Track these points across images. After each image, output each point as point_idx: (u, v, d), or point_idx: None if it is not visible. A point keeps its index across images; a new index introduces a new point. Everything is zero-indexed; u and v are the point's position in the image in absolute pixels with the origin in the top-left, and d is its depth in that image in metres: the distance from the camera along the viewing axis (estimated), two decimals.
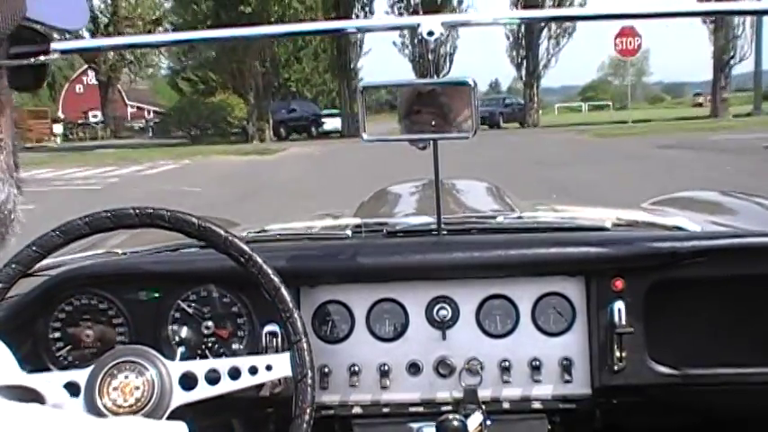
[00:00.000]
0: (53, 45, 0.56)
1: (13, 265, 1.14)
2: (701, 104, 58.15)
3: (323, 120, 36.84)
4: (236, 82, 31.72)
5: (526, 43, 36.27)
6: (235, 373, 1.14)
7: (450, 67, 36.42)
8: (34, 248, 1.14)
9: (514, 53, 36.67)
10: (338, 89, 34.74)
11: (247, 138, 30.98)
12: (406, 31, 18.95)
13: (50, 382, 0.51)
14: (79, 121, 43.42)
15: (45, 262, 1.21)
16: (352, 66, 36.02)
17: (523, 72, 36.32)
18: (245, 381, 1.13)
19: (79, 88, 51.67)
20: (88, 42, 1.32)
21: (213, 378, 1.14)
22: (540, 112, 35.48)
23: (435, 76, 1.26)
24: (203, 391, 1.12)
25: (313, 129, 36.09)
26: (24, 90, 0.55)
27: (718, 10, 1.36)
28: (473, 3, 36.72)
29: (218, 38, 1.47)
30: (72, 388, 1.09)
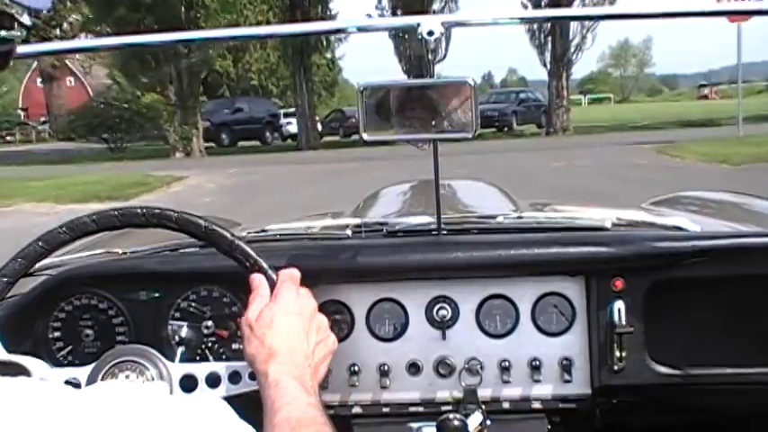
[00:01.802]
0: (49, 45, 0.55)
1: (19, 260, 1.14)
2: (706, 97, 57.15)
3: (285, 121, 30.06)
4: (148, 73, 23.30)
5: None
6: (235, 377, 1.14)
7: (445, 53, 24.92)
8: (40, 244, 1.14)
9: (535, 32, 26.08)
10: (294, 85, 26.29)
11: (171, 149, 23.90)
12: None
13: (36, 362, 0.52)
14: (26, 121, 37.98)
15: (45, 261, 1.21)
16: (309, 56, 26.93)
17: (548, 57, 26.09)
18: (245, 385, 1.14)
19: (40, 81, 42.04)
20: (84, 43, 1.31)
21: (213, 380, 1.14)
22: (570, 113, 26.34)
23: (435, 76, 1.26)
24: (203, 392, 1.13)
25: (268, 134, 29.09)
26: None
27: (720, 10, 1.36)
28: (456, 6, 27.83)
29: (217, 38, 1.47)
30: (72, 387, 1.09)
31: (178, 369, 1.13)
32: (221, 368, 1.14)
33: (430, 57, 1.25)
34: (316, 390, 0.99)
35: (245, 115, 28.60)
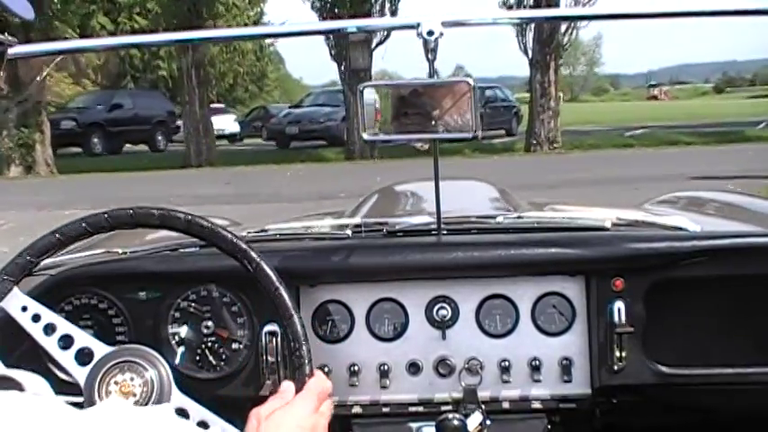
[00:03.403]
0: (47, 45, 0.55)
1: (28, 256, 1.14)
2: (656, 97, 56.31)
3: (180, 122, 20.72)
4: None
5: None
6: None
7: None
8: (27, 256, 1.13)
9: (513, 6, 17.38)
10: (182, 75, 17.71)
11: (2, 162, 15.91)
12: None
13: (31, 377, 0.51)
14: None
15: (46, 261, 1.20)
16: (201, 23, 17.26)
17: (530, 40, 16.83)
18: None
19: None
20: (79, 43, 1.31)
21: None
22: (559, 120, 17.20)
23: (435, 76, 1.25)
24: None
25: (160, 137, 21.69)
26: None
27: (718, 10, 1.36)
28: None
29: (217, 38, 1.47)
30: (71, 387, 1.09)
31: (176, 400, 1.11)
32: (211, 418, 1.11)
33: (430, 57, 1.25)
34: None
35: (126, 113, 21.09)
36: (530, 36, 16.61)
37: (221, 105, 29.44)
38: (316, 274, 1.36)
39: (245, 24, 27.86)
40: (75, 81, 25.97)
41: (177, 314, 1.35)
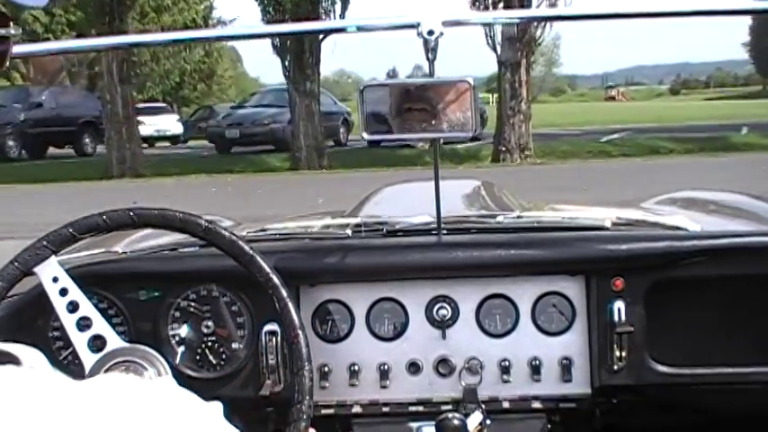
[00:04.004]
0: (47, 45, 0.54)
1: (71, 229, 1.16)
2: (613, 98, 56.21)
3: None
4: None
5: None
6: None
7: None
8: (70, 229, 1.16)
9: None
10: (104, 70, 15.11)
11: None
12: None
13: (29, 350, 0.51)
14: None
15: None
16: (122, 20, 14.78)
17: (498, 33, 14.15)
18: None
19: None
20: (78, 42, 1.31)
21: None
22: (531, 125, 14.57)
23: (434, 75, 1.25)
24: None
25: (88, 140, 19.07)
26: None
27: (717, 10, 1.36)
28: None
29: (218, 37, 1.47)
30: (69, 370, 1.10)
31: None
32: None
33: (430, 56, 1.25)
34: None
35: (48, 113, 18.34)
36: (498, 30, 13.92)
37: (163, 105, 27.18)
38: (316, 273, 1.36)
39: (193, 19, 26.09)
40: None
41: (177, 314, 1.35)
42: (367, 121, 1.24)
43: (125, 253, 1.50)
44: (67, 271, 1.16)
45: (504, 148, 14.25)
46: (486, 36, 14.44)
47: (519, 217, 1.59)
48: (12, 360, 0.48)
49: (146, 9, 17.68)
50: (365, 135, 1.25)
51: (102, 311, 1.35)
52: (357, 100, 1.24)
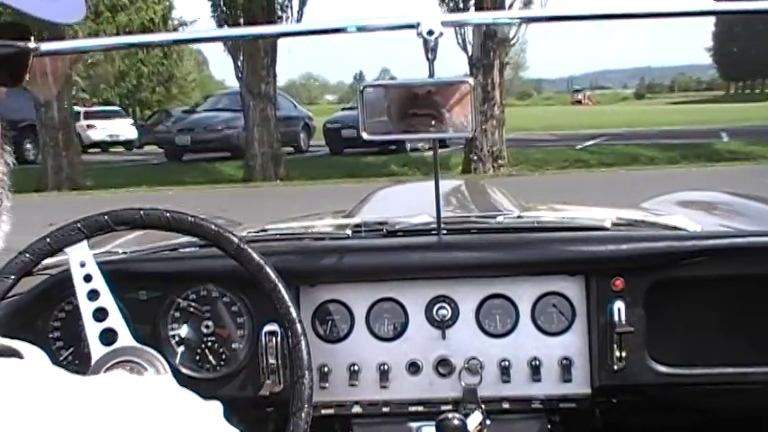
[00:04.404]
0: (46, 45, 0.53)
1: (107, 218, 1.17)
2: (580, 102, 56.21)
3: (84, 124, 19.55)
4: None
5: None
6: None
7: None
8: (106, 217, 1.18)
9: None
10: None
11: None
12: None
13: (30, 347, 0.51)
14: None
15: (45, 262, 1.21)
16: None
17: (469, 36, 13.09)
18: None
19: None
20: (80, 42, 1.31)
21: None
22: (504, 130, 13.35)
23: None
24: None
25: (29, 146, 17.02)
26: (3, 85, 0.54)
27: (717, 10, 1.36)
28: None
29: (219, 37, 1.47)
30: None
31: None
32: None
33: (430, 56, 1.25)
34: None
35: None
36: (470, 29, 12.73)
37: (116, 108, 25.83)
38: (316, 273, 1.36)
39: (151, 19, 24.58)
40: None
41: (177, 314, 1.35)
42: (366, 121, 1.24)
43: (125, 253, 1.50)
44: (69, 270, 1.17)
45: (475, 157, 12.90)
46: (457, 34, 13.06)
47: (519, 217, 1.59)
48: (14, 354, 0.48)
49: (100, 8, 16.90)
50: (365, 135, 1.25)
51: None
52: (357, 99, 1.24)
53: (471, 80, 1.20)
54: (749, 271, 1.32)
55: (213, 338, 1.35)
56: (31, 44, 0.54)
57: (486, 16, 1.31)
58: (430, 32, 1.22)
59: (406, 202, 2.44)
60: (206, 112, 18.13)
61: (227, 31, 1.86)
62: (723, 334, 1.35)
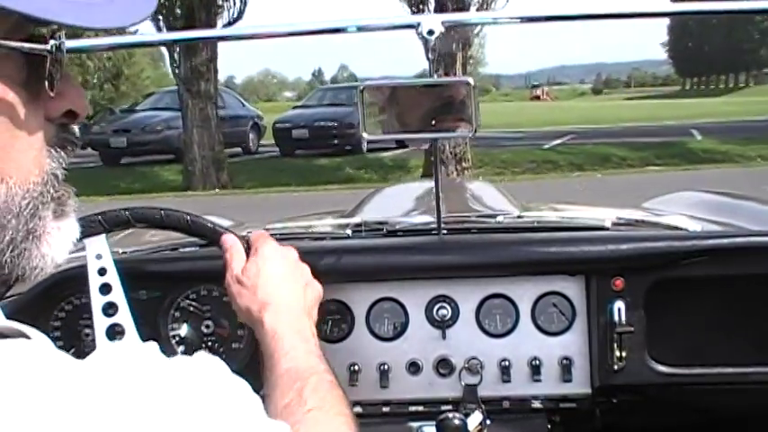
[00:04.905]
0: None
1: (128, 213, 1.18)
2: (538, 98, 56.42)
3: None
4: None
5: None
6: None
7: None
8: (127, 213, 1.18)
9: None
10: None
11: None
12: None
13: (34, 331, 0.52)
14: None
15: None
16: None
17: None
18: None
19: None
20: (83, 42, 1.31)
21: None
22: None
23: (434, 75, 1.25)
24: None
25: None
26: (37, 88, 0.54)
27: (717, 9, 1.36)
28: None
29: (219, 37, 1.47)
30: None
31: None
32: None
33: (430, 56, 1.25)
34: (314, 333, 0.98)
35: None
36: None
37: None
38: (316, 273, 1.36)
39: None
40: None
41: (177, 314, 1.35)
42: (366, 121, 1.24)
43: (125, 253, 1.50)
44: (69, 270, 1.17)
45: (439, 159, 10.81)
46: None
47: (519, 217, 1.59)
48: (22, 335, 0.49)
49: None
50: (365, 135, 1.25)
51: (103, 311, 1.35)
52: (357, 99, 1.24)
53: (471, 80, 1.20)
54: (749, 271, 1.32)
55: (213, 338, 1.35)
56: (48, 47, 0.54)
57: (486, 16, 1.30)
58: (430, 32, 1.22)
59: (406, 202, 2.44)
60: (146, 111, 16.62)
61: (228, 31, 1.87)
62: (723, 334, 1.35)
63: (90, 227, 1.16)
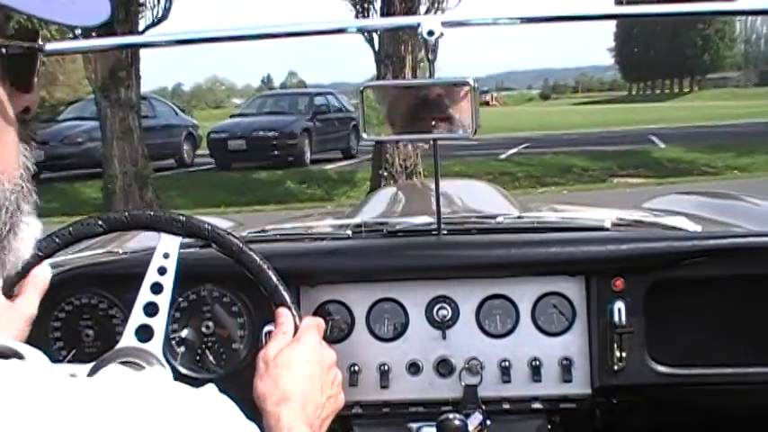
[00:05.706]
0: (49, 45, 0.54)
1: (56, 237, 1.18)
2: (488, 103, 56.82)
3: None
4: None
5: None
6: None
7: None
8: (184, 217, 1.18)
9: None
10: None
11: None
12: None
13: (31, 349, 0.51)
14: None
15: (45, 262, 1.21)
16: None
17: None
18: None
19: None
20: (84, 43, 1.31)
21: None
22: None
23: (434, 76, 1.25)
24: None
25: None
26: (14, 86, 0.55)
27: (717, 10, 1.36)
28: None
29: (219, 38, 1.47)
30: None
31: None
32: None
33: (430, 56, 1.25)
34: None
35: None
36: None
37: None
38: (316, 274, 1.36)
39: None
40: None
41: (177, 314, 1.35)
42: (366, 122, 1.24)
43: (125, 253, 1.50)
44: (69, 270, 1.17)
45: (386, 173, 10.25)
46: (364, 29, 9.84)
47: (519, 217, 1.59)
48: (15, 355, 0.49)
49: None
50: (365, 136, 1.25)
51: (102, 311, 1.35)
52: (357, 100, 1.24)
53: (472, 80, 1.20)
54: (749, 271, 1.32)
55: (213, 339, 1.35)
56: (37, 44, 0.54)
57: (486, 17, 1.30)
58: (430, 33, 1.22)
59: (406, 202, 2.44)
60: (67, 121, 15.05)
61: (227, 32, 1.87)
62: (723, 334, 1.35)
63: (89, 228, 1.16)
